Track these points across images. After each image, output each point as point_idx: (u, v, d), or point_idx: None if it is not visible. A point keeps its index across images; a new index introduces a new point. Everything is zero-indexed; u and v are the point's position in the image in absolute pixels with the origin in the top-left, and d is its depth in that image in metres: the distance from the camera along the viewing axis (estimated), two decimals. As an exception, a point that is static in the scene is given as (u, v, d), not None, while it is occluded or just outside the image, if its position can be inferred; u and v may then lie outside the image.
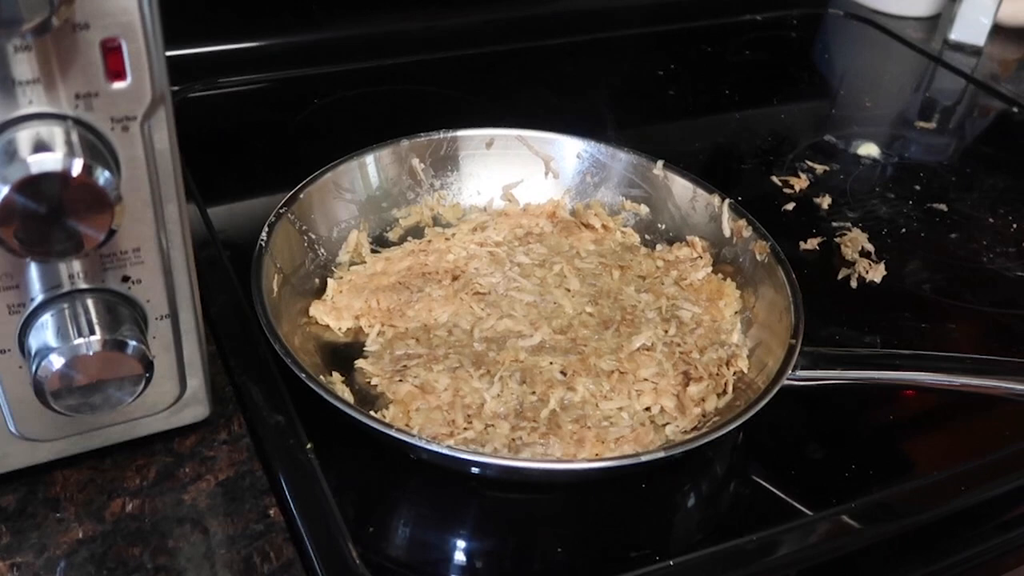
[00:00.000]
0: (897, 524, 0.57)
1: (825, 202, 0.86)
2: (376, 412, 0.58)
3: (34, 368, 0.44)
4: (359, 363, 0.62)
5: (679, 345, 0.64)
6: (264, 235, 0.62)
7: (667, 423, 0.59)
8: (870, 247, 0.79)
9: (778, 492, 0.58)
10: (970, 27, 1.18)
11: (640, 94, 1.04)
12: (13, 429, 0.49)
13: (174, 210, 0.46)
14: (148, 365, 0.46)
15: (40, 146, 0.39)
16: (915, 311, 0.74)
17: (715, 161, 0.92)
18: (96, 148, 0.41)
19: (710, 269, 0.71)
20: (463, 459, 0.52)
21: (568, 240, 0.74)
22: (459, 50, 1.04)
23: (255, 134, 0.89)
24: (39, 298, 0.45)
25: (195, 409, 0.54)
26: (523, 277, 0.69)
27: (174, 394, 0.52)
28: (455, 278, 0.68)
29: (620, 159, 0.76)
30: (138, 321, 0.47)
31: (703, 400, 0.60)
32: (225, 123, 0.90)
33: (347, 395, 0.58)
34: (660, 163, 0.75)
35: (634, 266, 0.71)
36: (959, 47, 1.18)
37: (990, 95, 1.10)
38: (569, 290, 0.68)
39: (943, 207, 0.88)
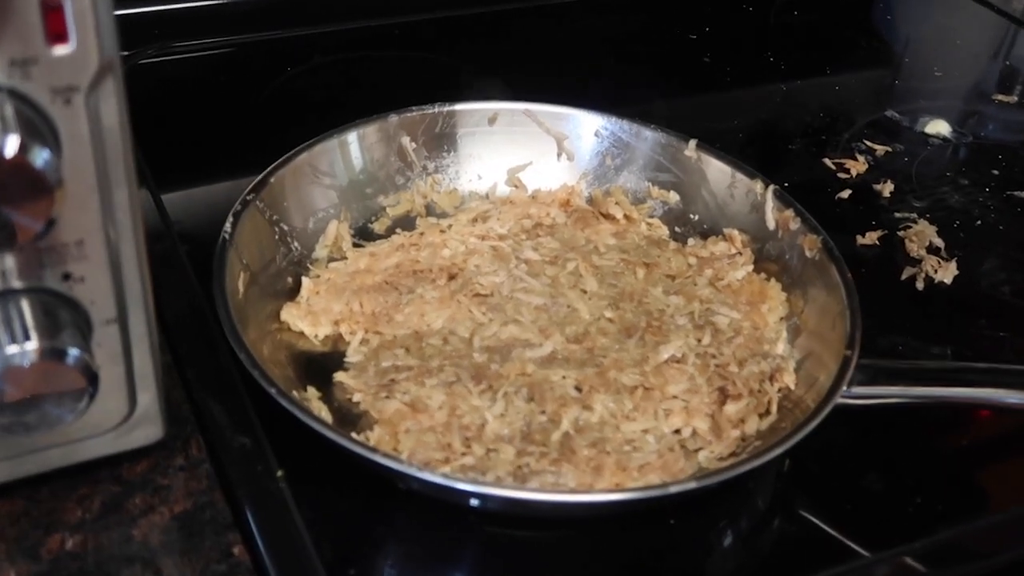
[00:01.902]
0: (970, 567, 0.56)
1: (886, 189, 0.86)
2: (359, 434, 0.58)
3: (-41, 381, 0.45)
4: (339, 376, 0.62)
5: (714, 357, 0.64)
6: (228, 226, 0.63)
7: (700, 448, 0.59)
8: (939, 242, 0.79)
9: (830, 530, 0.58)
10: (1058, -17, 1.17)
11: (669, 61, 1.04)
12: (-66, 452, 0.49)
13: (124, 196, 0.46)
14: (92, 378, 0.46)
15: (-33, 121, 0.39)
16: (992, 317, 0.74)
17: (757, 141, 0.92)
18: (33, 124, 0.41)
19: (751, 267, 0.71)
20: (460, 489, 0.52)
21: (584, 233, 0.74)
22: (457, 9, 1.04)
23: (218, 108, 0.89)
24: (-35, 299, 0.45)
25: (147, 430, 0.54)
26: (531, 276, 0.69)
27: (122, 412, 0.52)
28: (452, 277, 0.68)
29: (646, 138, 0.76)
30: (81, 326, 0.47)
31: (742, 421, 0.60)
32: (183, 95, 0.90)
33: (325, 414, 0.59)
34: (693, 143, 0.75)
35: (662, 264, 0.72)
36: (1046, 7, 1.18)
37: (1082, 64, 1.10)
38: (585, 291, 0.68)
39: (1026, 195, 0.88)
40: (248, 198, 0.65)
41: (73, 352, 0.45)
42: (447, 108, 0.76)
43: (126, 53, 0.43)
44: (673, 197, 0.76)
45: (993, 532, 0.58)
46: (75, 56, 0.41)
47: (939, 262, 0.77)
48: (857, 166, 0.88)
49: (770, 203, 0.71)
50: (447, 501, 0.55)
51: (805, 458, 0.60)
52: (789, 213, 0.70)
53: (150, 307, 0.50)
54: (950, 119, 0.96)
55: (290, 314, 0.65)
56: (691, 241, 0.74)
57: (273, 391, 0.53)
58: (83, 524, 0.52)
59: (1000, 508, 0.61)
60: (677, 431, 0.60)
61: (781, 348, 0.66)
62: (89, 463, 0.53)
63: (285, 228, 0.68)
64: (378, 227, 0.73)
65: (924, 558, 0.55)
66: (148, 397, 0.52)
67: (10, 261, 0.45)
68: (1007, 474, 0.64)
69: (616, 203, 0.75)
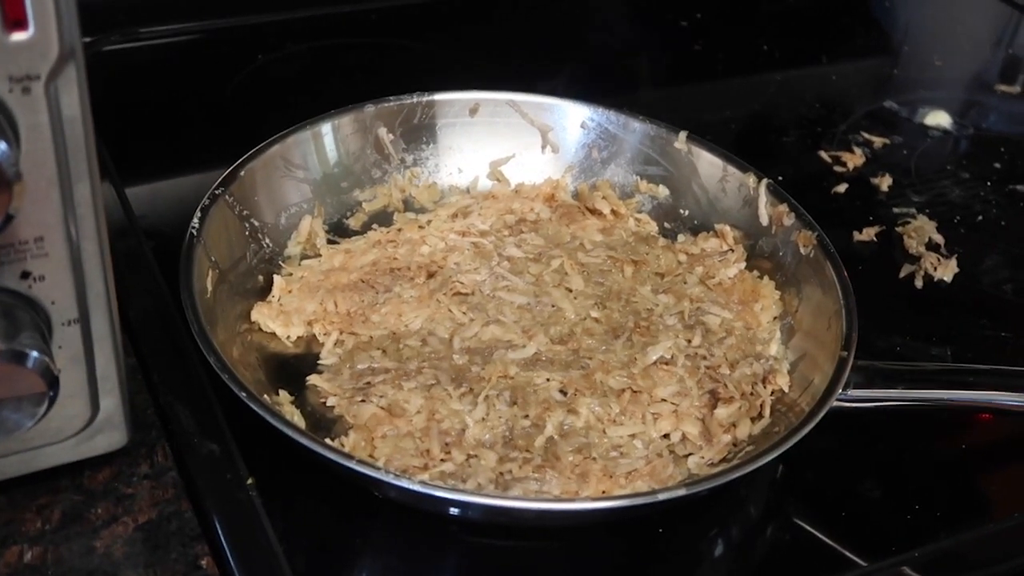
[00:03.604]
0: (970, 577, 0.57)
1: (884, 183, 0.86)
2: (333, 440, 0.58)
3: (-88, 385, 0.44)
4: (312, 379, 0.62)
5: (705, 358, 0.64)
6: (196, 222, 0.62)
7: (690, 454, 0.60)
8: (939, 238, 0.80)
9: (825, 538, 0.58)
10: (1063, -31, 1.18)
11: (659, 49, 1.04)
12: None
13: (85, 191, 0.46)
14: (52, 381, 0.46)
15: (-80, 112, 0.39)
16: (994, 317, 0.75)
17: (750, 133, 0.92)
18: (-11, 114, 0.41)
19: (743, 265, 0.71)
20: (440, 497, 0.52)
21: (570, 229, 0.74)
22: (437, -6, 1.05)
23: (186, 97, 0.88)
24: (-82, 299, 0.45)
25: (110, 436, 0.54)
26: (514, 274, 0.69)
27: (84, 417, 0.52)
28: (431, 275, 0.69)
29: (634, 130, 0.77)
30: (40, 327, 0.47)
31: (734, 426, 0.61)
32: (149, 83, 0.90)
33: (297, 419, 0.59)
34: (683, 135, 0.75)
35: (650, 261, 0.72)
36: (1049, -7, 1.19)
37: (1087, 53, 1.11)
38: (570, 290, 0.69)
39: (1029, 190, 0.88)
40: (217, 192, 0.65)
41: (32, 354, 0.45)
42: (426, 98, 0.76)
43: (88, 40, 0.43)
44: (662, 191, 0.76)
45: (995, 540, 0.59)
46: (34, 43, 0.41)
47: (939, 259, 0.78)
48: (854, 159, 0.88)
49: (763, 198, 0.72)
50: (426, 510, 0.55)
51: (799, 464, 0.60)
52: (783, 208, 0.70)
53: (113, 307, 0.50)
54: (951, 110, 0.97)
55: (261, 314, 0.65)
56: (681, 237, 0.74)
57: (243, 395, 0.53)
58: (42, 535, 0.52)
59: (1003, 515, 0.61)
60: (666, 436, 0.60)
61: (774, 349, 0.66)
62: (49, 471, 0.53)
63: (256, 224, 0.68)
64: (353, 223, 0.73)
65: (923, 567, 0.56)
66: (111, 401, 0.52)
67: (-35, 259, 0.45)
68: (1009, 480, 0.65)
69: (603, 197, 0.75)
